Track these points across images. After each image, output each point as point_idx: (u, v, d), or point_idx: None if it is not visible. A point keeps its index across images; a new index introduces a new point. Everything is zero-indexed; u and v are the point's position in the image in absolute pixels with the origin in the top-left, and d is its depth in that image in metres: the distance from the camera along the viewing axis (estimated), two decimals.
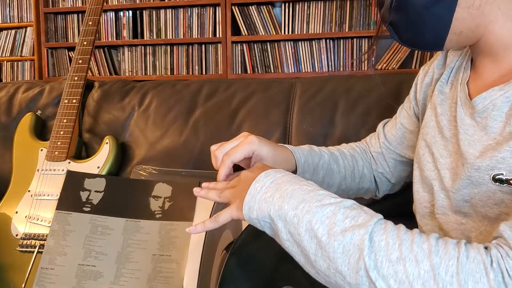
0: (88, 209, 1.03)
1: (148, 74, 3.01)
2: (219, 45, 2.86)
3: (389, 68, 2.67)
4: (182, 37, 2.95)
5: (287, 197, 0.55)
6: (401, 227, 0.49)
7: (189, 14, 2.93)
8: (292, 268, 0.62)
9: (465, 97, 0.64)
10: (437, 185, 0.66)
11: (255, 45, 2.82)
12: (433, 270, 0.45)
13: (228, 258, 0.57)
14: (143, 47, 3.00)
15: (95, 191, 1.06)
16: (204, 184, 0.68)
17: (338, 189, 0.83)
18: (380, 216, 0.51)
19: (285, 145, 0.78)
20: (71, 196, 1.05)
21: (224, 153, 0.69)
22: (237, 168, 0.72)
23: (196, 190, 0.67)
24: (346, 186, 0.84)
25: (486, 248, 0.46)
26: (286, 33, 2.77)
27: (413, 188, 0.72)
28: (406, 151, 0.83)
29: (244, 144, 0.69)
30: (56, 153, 1.23)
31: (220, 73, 2.87)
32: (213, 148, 0.71)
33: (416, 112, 0.80)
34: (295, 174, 0.71)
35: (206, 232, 0.89)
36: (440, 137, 0.67)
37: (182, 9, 2.93)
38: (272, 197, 0.56)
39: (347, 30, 2.71)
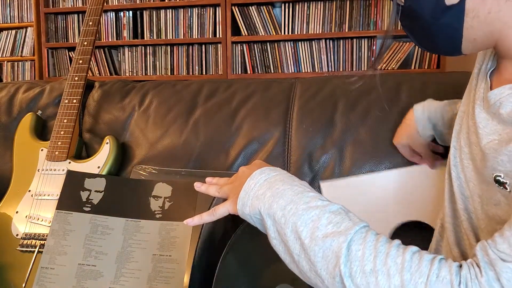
0: (89, 209, 1.04)
1: (148, 74, 3.01)
2: (219, 45, 2.87)
3: (389, 68, 2.67)
4: (182, 37, 2.95)
5: (277, 197, 0.56)
6: (381, 237, 0.50)
7: (189, 14, 2.93)
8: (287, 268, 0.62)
9: (486, 89, 0.63)
10: (456, 174, 0.66)
11: (255, 45, 2.82)
12: (403, 286, 0.45)
13: (225, 253, 0.58)
14: (143, 47, 3.00)
15: (95, 191, 1.06)
16: (207, 179, 0.71)
17: None
18: (364, 223, 0.52)
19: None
20: (71, 196, 1.05)
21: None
22: None
23: (197, 185, 0.69)
24: None
25: (460, 266, 0.46)
26: (286, 33, 2.77)
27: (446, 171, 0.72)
28: None
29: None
30: (57, 153, 1.23)
31: (220, 73, 2.87)
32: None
33: None
34: None
35: (202, 226, 0.90)
36: (465, 126, 0.67)
37: (182, 9, 2.93)
38: (263, 195, 0.57)
39: (347, 30, 2.72)
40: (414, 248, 0.49)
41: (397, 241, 0.50)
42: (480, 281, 0.44)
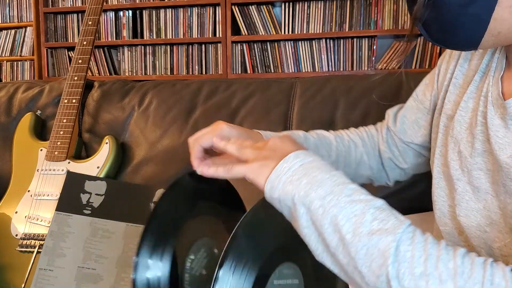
0: (89, 211, 1.03)
1: (148, 74, 3.00)
2: (219, 45, 2.86)
3: (389, 68, 2.67)
4: (182, 37, 2.95)
5: (315, 185, 0.52)
6: (429, 238, 0.47)
7: (189, 14, 2.92)
8: (296, 247, 0.61)
9: (497, 94, 0.59)
10: (461, 186, 0.62)
11: (255, 45, 2.82)
12: None
13: (236, 231, 0.55)
14: (143, 47, 3.00)
15: (96, 194, 1.06)
16: (232, 140, 0.64)
17: None
18: (409, 221, 0.49)
19: (263, 131, 0.75)
20: (71, 198, 1.05)
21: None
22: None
23: (215, 141, 0.64)
24: None
25: None
26: (286, 33, 2.77)
27: (433, 183, 0.69)
28: (421, 138, 0.78)
29: (212, 131, 0.67)
30: (56, 153, 1.22)
31: (220, 73, 2.87)
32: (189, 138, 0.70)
33: (435, 99, 0.75)
34: None
35: None
36: (468, 133, 0.63)
37: (182, 9, 2.93)
38: (299, 181, 0.53)
39: (347, 30, 2.71)
40: (462, 249, 0.46)
41: (444, 242, 0.47)
42: None
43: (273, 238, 0.61)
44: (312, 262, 0.63)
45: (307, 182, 0.53)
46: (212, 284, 0.52)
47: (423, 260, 0.45)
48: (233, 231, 0.55)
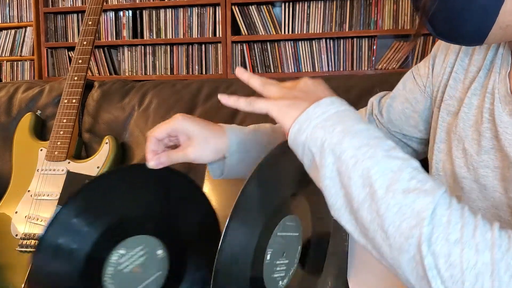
0: None
1: (148, 74, 3.00)
2: (219, 45, 2.86)
3: (389, 68, 2.67)
4: (182, 37, 2.95)
5: (350, 134, 0.48)
6: (466, 207, 0.44)
7: (189, 14, 2.92)
8: (301, 201, 0.60)
9: (505, 91, 0.58)
10: (468, 184, 0.61)
11: (255, 45, 2.82)
12: (493, 264, 0.40)
13: (248, 181, 0.51)
14: (143, 47, 3.00)
15: None
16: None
17: None
18: (445, 188, 0.46)
19: (226, 125, 0.72)
20: None
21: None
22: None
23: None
24: None
25: None
26: (286, 33, 2.77)
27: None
28: (409, 129, 0.76)
29: (166, 123, 0.66)
30: (56, 153, 1.22)
31: (220, 73, 2.87)
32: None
33: (430, 90, 0.73)
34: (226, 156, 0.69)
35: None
36: (473, 130, 0.61)
37: (182, 9, 2.93)
38: (332, 128, 0.49)
39: (347, 30, 2.71)
40: (497, 223, 0.44)
41: (480, 213, 0.45)
42: None
43: (281, 191, 0.59)
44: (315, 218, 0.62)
45: (341, 130, 0.49)
46: (222, 234, 0.49)
47: (459, 227, 0.42)
48: (244, 185, 0.52)
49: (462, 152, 0.62)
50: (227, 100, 0.58)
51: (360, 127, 0.49)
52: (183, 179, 0.69)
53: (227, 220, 0.50)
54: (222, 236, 0.49)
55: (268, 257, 0.56)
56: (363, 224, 0.46)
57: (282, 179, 0.59)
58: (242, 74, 0.61)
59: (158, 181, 0.67)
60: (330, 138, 0.48)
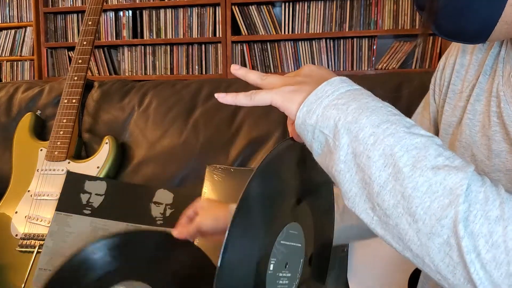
0: (89, 212, 1.03)
1: (148, 74, 3.00)
2: (219, 45, 2.86)
3: (389, 68, 2.67)
4: (182, 37, 2.95)
5: (367, 111, 0.44)
6: (499, 184, 0.41)
7: (189, 14, 2.92)
8: (305, 209, 0.59)
9: (511, 92, 0.56)
10: None
11: (255, 45, 2.82)
12: None
13: (252, 178, 0.48)
14: (143, 47, 3.00)
15: (95, 194, 1.06)
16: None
17: None
18: (474, 166, 0.42)
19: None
20: (71, 198, 1.05)
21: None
22: None
23: (234, 68, 0.57)
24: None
25: None
26: (286, 33, 2.77)
27: None
28: None
29: (196, 223, 0.75)
30: (56, 153, 1.22)
31: (220, 73, 2.87)
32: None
33: (434, 115, 0.71)
34: None
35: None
36: (481, 135, 0.59)
37: (182, 9, 2.93)
38: (346, 106, 0.45)
39: (347, 30, 2.71)
40: None
41: None
42: None
43: (285, 193, 0.57)
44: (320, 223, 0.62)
45: (356, 107, 0.44)
46: (225, 238, 0.48)
47: (498, 203, 0.39)
48: (249, 179, 0.50)
49: (470, 159, 0.60)
50: (224, 98, 0.54)
51: (376, 104, 0.45)
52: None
53: (229, 225, 0.49)
54: (224, 239, 0.49)
55: (271, 267, 0.54)
56: (384, 211, 0.42)
57: (285, 182, 0.58)
58: (237, 70, 0.57)
59: None
60: (344, 116, 0.44)
